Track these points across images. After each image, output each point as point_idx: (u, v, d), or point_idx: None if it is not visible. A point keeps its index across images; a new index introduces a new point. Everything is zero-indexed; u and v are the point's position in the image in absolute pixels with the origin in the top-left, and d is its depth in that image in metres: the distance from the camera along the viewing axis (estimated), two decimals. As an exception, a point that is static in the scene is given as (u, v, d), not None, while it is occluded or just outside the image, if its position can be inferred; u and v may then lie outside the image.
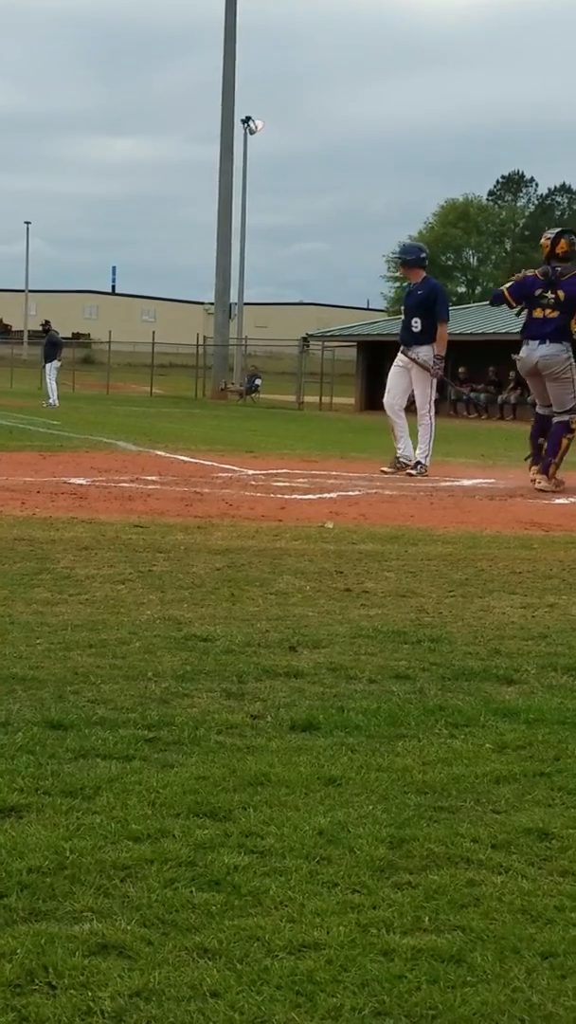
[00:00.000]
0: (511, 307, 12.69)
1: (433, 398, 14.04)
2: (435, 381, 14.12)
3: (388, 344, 17.25)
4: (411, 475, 13.54)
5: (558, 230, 13.02)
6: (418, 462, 13.76)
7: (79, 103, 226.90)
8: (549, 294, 12.26)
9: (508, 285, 12.67)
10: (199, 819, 3.10)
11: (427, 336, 13.93)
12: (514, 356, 12.77)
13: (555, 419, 12.41)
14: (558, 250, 12.32)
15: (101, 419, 26.62)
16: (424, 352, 13.90)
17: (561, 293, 12.28)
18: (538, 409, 12.74)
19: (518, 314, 12.71)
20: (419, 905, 2.67)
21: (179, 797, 3.22)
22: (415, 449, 13.89)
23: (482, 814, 3.23)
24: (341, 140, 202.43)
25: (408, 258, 14.32)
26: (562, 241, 12.40)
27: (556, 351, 12.21)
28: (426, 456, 13.81)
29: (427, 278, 14.33)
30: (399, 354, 14.26)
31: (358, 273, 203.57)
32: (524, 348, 12.41)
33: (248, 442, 19.11)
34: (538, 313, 12.31)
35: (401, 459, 13.91)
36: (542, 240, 12.85)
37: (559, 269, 12.26)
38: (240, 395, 48.91)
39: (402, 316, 14.67)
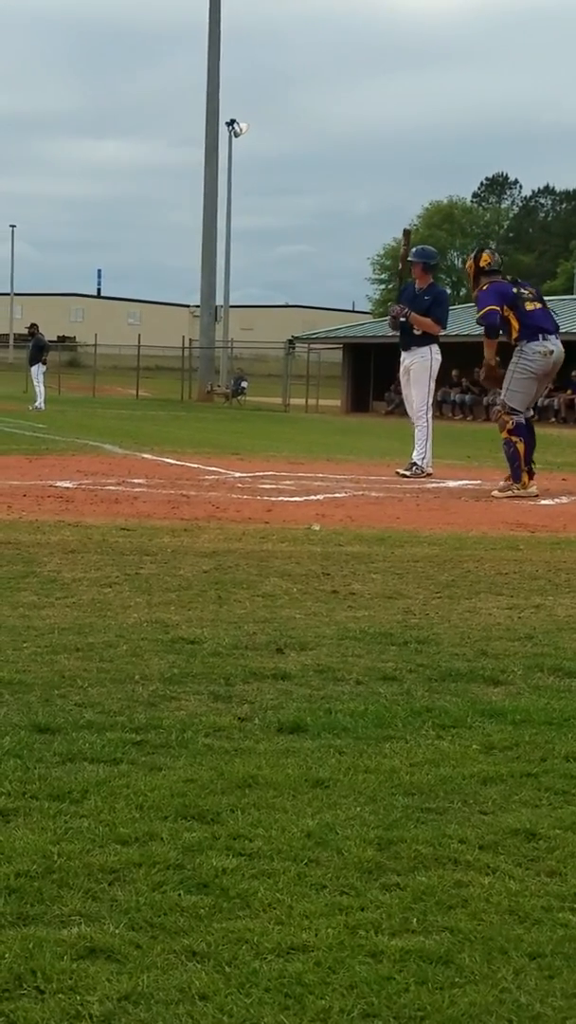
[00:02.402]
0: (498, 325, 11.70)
1: (431, 401, 14.06)
2: (432, 382, 14.11)
3: (373, 346, 17.15)
4: (404, 476, 13.56)
5: (476, 247, 13.15)
6: (413, 463, 13.80)
7: (63, 105, 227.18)
8: (524, 290, 11.98)
9: (485, 312, 11.74)
10: (187, 822, 3.09)
11: (426, 339, 13.96)
12: (536, 350, 11.60)
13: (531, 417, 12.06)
14: (482, 263, 11.98)
15: (87, 422, 26.57)
16: (422, 353, 13.91)
17: (531, 291, 12.12)
18: (524, 415, 11.86)
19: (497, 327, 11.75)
20: (407, 906, 2.67)
21: (167, 800, 3.22)
22: (417, 451, 13.91)
23: (469, 815, 3.23)
24: (325, 142, 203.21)
25: (431, 262, 14.30)
26: (484, 254, 12.12)
27: None
28: (422, 458, 13.85)
29: (433, 284, 14.35)
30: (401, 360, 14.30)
31: (343, 275, 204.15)
32: (542, 343, 11.63)
33: (234, 444, 19.10)
34: (530, 306, 11.77)
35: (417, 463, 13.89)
36: (467, 264, 12.31)
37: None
38: (226, 397, 48.89)
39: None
